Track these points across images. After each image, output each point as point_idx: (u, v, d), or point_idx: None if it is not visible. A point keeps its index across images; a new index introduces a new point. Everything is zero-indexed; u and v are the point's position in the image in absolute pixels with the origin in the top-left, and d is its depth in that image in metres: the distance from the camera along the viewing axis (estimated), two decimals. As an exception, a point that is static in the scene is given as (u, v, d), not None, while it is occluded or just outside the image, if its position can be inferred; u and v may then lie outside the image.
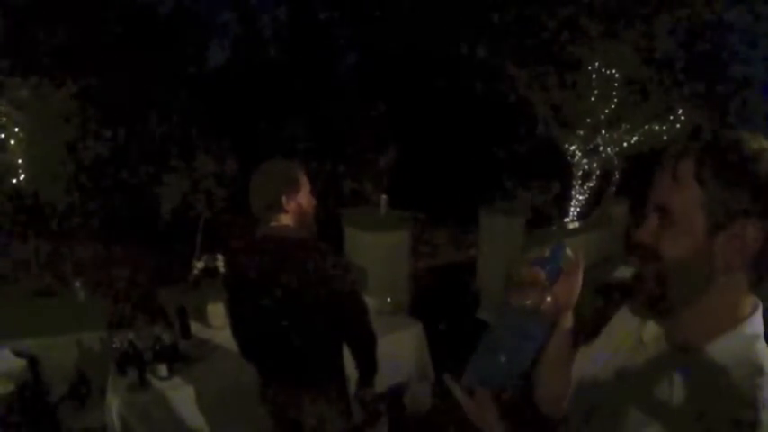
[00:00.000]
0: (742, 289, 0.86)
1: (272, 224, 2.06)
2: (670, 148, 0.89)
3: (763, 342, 0.86)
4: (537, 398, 1.24)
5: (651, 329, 0.98)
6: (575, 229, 7.23)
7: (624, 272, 4.52)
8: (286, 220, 2.07)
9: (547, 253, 1.08)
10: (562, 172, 7.72)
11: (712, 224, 0.83)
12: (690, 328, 0.90)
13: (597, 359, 1.08)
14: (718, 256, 0.83)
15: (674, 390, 0.86)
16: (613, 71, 6.84)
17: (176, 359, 2.87)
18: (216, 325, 3.39)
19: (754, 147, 0.81)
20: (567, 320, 1.17)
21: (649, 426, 0.85)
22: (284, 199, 2.04)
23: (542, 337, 1.06)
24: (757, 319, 0.87)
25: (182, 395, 2.72)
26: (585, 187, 7.62)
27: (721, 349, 0.85)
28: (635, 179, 7.33)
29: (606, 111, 7.04)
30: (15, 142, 4.57)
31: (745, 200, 0.80)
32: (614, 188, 7.90)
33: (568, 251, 1.09)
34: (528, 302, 1.02)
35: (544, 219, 7.74)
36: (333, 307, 2.03)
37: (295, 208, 2.07)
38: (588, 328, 1.26)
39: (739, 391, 0.80)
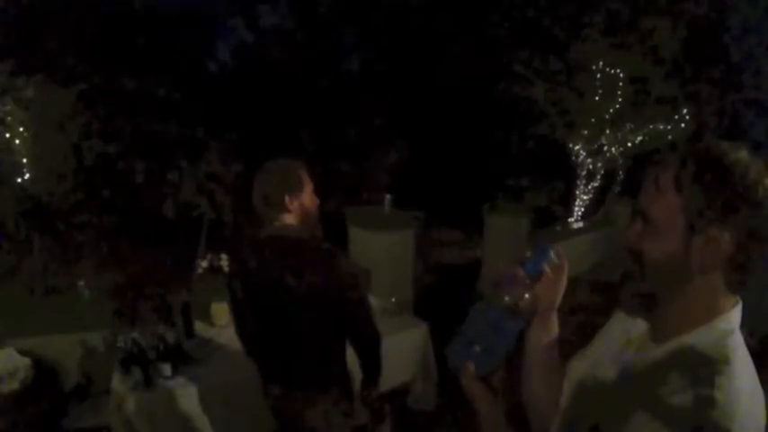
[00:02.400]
0: (719, 288, 0.92)
1: (276, 224, 2.06)
2: (653, 158, 0.94)
3: (736, 338, 0.92)
4: (525, 406, 1.25)
5: (639, 327, 1.05)
6: (579, 229, 7.22)
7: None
8: (289, 219, 2.07)
9: (529, 253, 1.11)
10: (566, 171, 7.70)
11: (690, 229, 0.89)
12: (669, 324, 0.96)
13: (591, 360, 1.13)
14: (695, 258, 0.90)
15: (650, 380, 0.92)
16: (618, 71, 6.83)
17: (180, 358, 2.87)
18: (220, 324, 3.39)
19: (731, 157, 0.87)
20: (549, 322, 1.18)
21: (644, 421, 0.88)
22: (287, 199, 2.03)
23: (518, 334, 1.08)
24: (734, 315, 0.93)
25: (186, 394, 2.73)
26: (590, 187, 7.60)
27: (693, 341, 0.92)
28: (639, 179, 7.30)
29: (610, 110, 7.03)
30: (20, 141, 4.58)
31: (720, 207, 0.86)
32: (618, 188, 7.88)
33: (552, 253, 1.12)
34: (506, 299, 1.06)
35: (548, 218, 7.72)
36: (337, 306, 2.03)
37: (298, 207, 2.07)
38: (591, 330, 1.27)
39: (700, 374, 0.86)
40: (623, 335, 1.08)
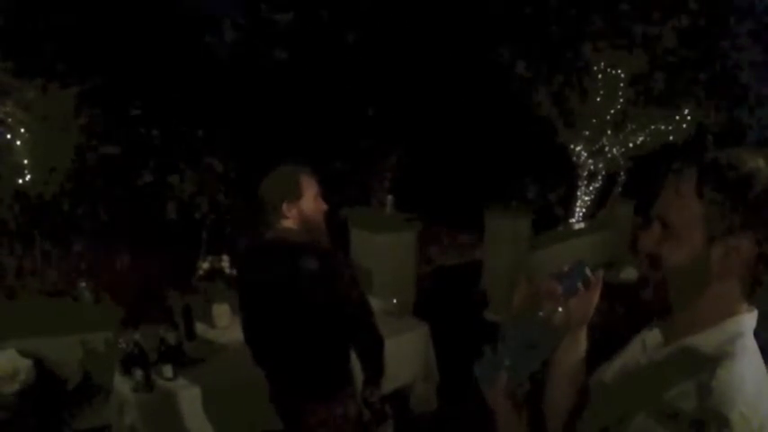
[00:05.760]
0: (735, 295, 0.94)
1: (278, 226, 2.11)
2: (675, 165, 0.97)
3: (746, 341, 0.92)
4: (546, 414, 1.26)
5: (654, 335, 1.06)
6: (580, 230, 7.20)
7: (630, 273, 4.51)
8: (289, 224, 2.10)
9: (566, 268, 1.12)
10: (568, 173, 7.69)
11: (710, 236, 0.90)
12: (680, 326, 0.98)
13: (608, 371, 1.14)
14: (714, 265, 0.91)
15: (654, 378, 0.95)
16: (619, 71, 6.82)
17: (181, 360, 2.87)
18: (221, 326, 3.39)
19: (751, 165, 0.88)
20: (580, 337, 1.19)
21: (646, 418, 0.89)
22: (285, 206, 2.08)
23: (549, 348, 1.10)
24: (746, 320, 0.94)
25: (187, 396, 2.72)
26: (591, 188, 7.60)
27: (699, 341, 0.93)
28: (641, 179, 7.30)
29: (612, 111, 7.02)
30: (21, 143, 4.58)
31: (740, 215, 0.87)
32: (620, 189, 7.87)
33: (588, 270, 1.12)
34: (540, 314, 1.07)
35: (550, 220, 7.71)
36: (335, 309, 2.03)
37: (297, 214, 2.10)
38: (596, 331, 1.27)
39: (701, 369, 0.88)
40: (640, 342, 1.10)
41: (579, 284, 1.10)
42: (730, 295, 0.94)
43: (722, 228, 0.89)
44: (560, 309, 1.08)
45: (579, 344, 1.19)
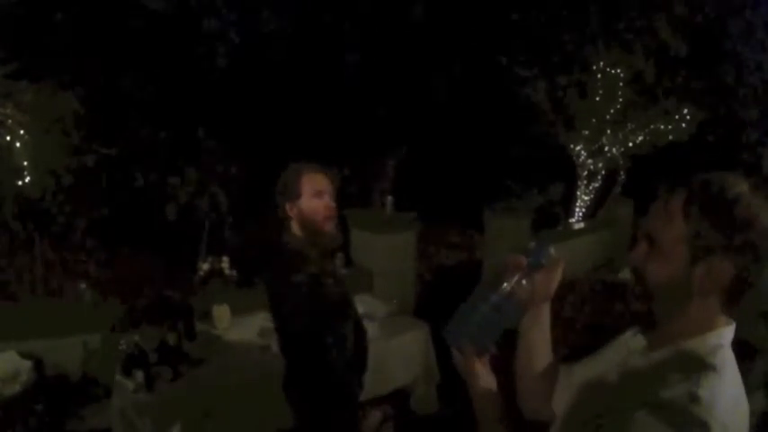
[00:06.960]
0: (715, 310, 1.00)
1: (287, 229, 2.07)
2: (664, 186, 1.03)
3: (726, 353, 0.99)
4: (518, 394, 1.34)
5: (639, 340, 1.12)
6: (580, 230, 7.20)
7: (629, 273, 4.51)
8: (294, 227, 2.06)
9: (532, 245, 1.19)
10: (567, 172, 7.69)
11: (693, 256, 0.97)
12: (665, 335, 1.04)
13: (596, 367, 1.19)
14: (696, 283, 0.97)
15: (647, 377, 1.00)
16: (618, 70, 6.82)
17: (181, 361, 2.87)
18: (221, 326, 3.39)
19: (735, 191, 0.94)
20: (543, 312, 1.27)
21: (641, 415, 0.93)
22: (288, 206, 2.04)
23: (513, 317, 1.17)
24: (725, 333, 1.01)
25: (187, 397, 2.72)
26: (590, 187, 7.59)
27: (687, 347, 1.00)
28: (641, 179, 7.29)
29: (611, 110, 7.02)
30: (21, 145, 4.58)
31: (722, 237, 0.94)
32: (619, 188, 7.86)
33: (552, 249, 1.19)
34: (505, 285, 1.13)
35: (549, 219, 7.71)
36: (292, 331, 2.02)
37: (297, 215, 2.05)
38: (592, 329, 1.31)
39: (690, 375, 0.94)
40: (626, 347, 1.15)
41: (544, 261, 1.17)
42: (711, 310, 1.00)
43: (705, 248, 0.95)
44: (524, 282, 1.15)
45: (542, 319, 1.27)
